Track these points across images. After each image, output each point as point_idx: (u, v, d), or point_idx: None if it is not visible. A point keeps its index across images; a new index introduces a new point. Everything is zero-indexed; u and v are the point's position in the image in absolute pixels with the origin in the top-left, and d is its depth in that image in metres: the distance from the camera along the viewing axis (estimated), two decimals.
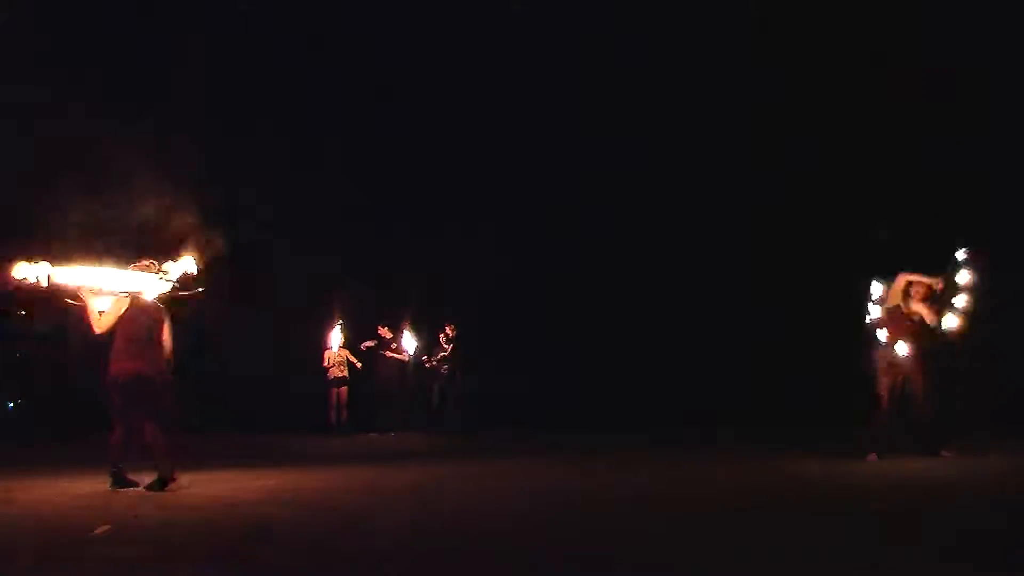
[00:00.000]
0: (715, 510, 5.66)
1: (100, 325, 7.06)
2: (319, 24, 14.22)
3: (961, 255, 8.47)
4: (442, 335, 14.44)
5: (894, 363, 8.29)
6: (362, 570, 4.16)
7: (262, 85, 13.96)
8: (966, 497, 6.08)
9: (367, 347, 14.25)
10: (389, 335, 14.40)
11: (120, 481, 6.94)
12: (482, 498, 6.38)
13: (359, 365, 14.21)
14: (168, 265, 7.25)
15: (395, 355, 14.37)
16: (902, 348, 8.27)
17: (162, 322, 7.14)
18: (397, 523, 5.37)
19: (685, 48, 13.60)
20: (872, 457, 8.11)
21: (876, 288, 8.62)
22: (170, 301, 7.26)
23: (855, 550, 4.33)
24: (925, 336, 8.30)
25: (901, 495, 6.23)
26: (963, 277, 8.43)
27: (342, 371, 14.10)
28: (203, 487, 6.99)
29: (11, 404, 14.90)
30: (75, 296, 7.03)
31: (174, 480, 6.88)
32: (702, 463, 8.60)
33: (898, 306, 8.34)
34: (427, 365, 14.51)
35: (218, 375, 13.68)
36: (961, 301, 8.39)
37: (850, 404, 9.11)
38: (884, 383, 8.33)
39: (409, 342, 14.57)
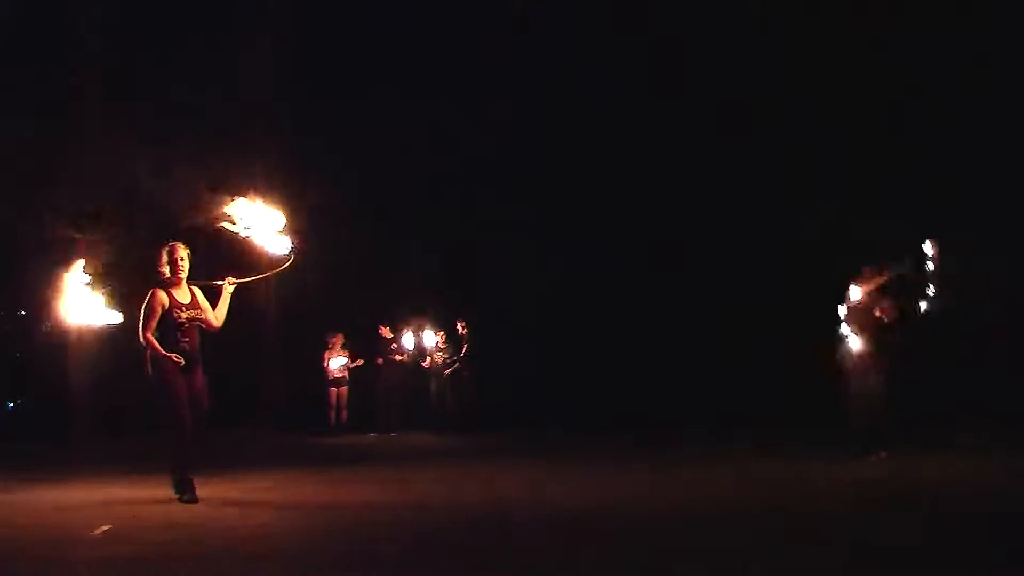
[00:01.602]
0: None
1: (220, 317, 6.47)
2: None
3: (927, 248, 8.55)
4: (441, 333, 14.41)
5: (859, 360, 8.36)
6: (361, 572, 4.16)
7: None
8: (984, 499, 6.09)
9: (380, 361, 14.21)
10: (390, 335, 14.37)
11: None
12: (484, 499, 6.37)
13: (359, 362, 14.22)
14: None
15: (397, 356, 14.33)
16: (855, 343, 8.39)
17: None
18: (399, 527, 5.36)
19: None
20: (882, 455, 8.11)
21: (854, 291, 8.60)
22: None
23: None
24: (884, 333, 8.40)
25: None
26: (927, 268, 8.54)
27: (342, 371, 14.08)
28: (203, 488, 6.97)
29: (11, 404, 14.91)
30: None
31: None
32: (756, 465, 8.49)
33: (864, 306, 8.44)
34: (424, 365, 14.49)
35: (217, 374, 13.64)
36: (927, 290, 8.52)
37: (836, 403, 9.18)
38: (855, 381, 8.38)
39: (409, 341, 14.52)
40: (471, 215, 15.62)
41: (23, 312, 14.90)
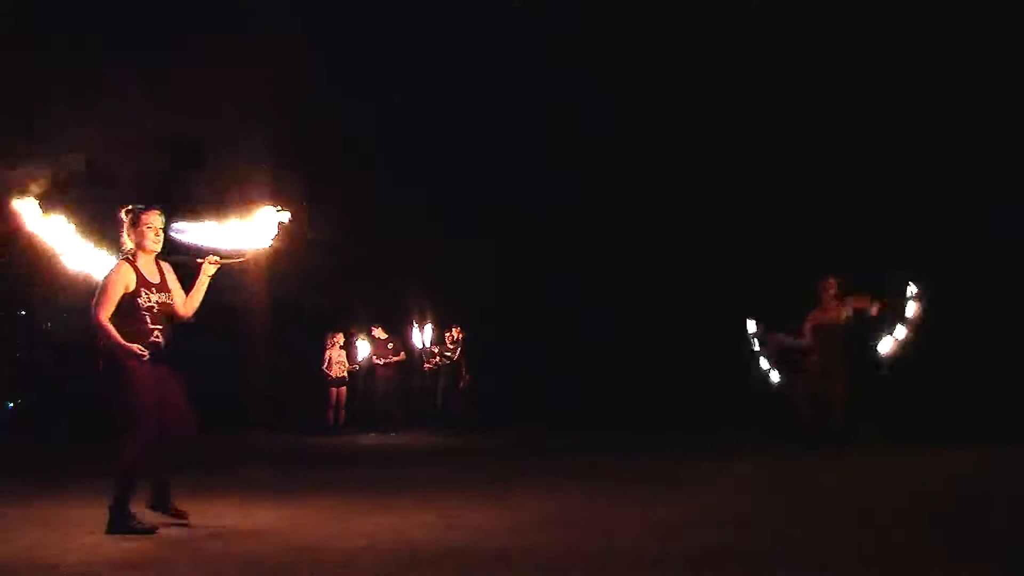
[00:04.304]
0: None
1: (193, 304, 5.30)
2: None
3: (911, 290, 8.88)
4: (448, 335, 14.40)
5: (819, 370, 8.82)
6: (352, 571, 4.15)
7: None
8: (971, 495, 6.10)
9: (376, 361, 14.24)
10: (384, 336, 14.35)
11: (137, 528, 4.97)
12: (489, 502, 6.36)
13: (356, 366, 14.28)
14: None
15: (393, 358, 14.30)
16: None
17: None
18: (401, 528, 5.36)
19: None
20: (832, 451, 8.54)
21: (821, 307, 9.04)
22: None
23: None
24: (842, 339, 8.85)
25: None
26: (909, 310, 8.88)
27: (342, 371, 14.10)
28: (201, 491, 6.97)
29: (11, 404, 14.91)
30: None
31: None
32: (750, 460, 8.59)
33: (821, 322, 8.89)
34: (426, 367, 14.47)
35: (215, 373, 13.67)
36: (900, 331, 8.99)
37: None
38: (806, 389, 8.93)
39: (418, 337, 14.50)
40: (472, 216, 15.62)
41: (23, 312, 14.91)
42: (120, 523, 4.96)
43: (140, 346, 4.94)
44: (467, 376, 14.17)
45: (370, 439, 13.20)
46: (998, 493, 6.31)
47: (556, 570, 4.05)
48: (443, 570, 4.09)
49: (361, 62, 14.71)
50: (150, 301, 5.06)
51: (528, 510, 5.72)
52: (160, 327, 5.08)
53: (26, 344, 15.11)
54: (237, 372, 14.40)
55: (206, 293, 5.32)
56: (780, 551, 4.33)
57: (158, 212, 5.19)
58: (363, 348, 14.39)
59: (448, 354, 14.31)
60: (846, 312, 8.77)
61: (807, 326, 8.98)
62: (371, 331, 14.37)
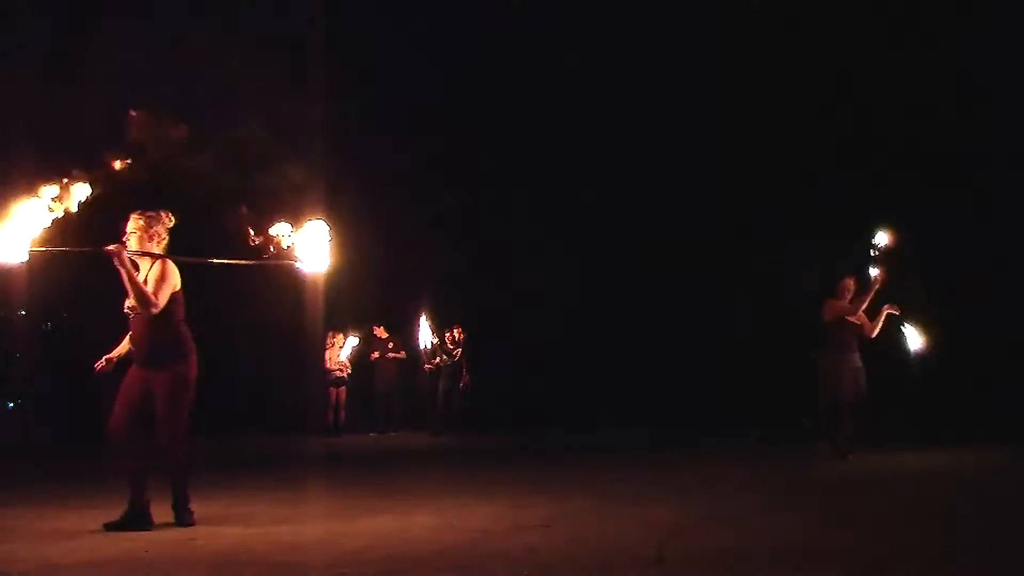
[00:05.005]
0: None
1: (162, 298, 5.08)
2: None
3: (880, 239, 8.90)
4: (449, 335, 14.39)
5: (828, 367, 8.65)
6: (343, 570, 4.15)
7: None
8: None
9: (374, 358, 14.25)
10: (385, 335, 14.34)
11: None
12: (489, 502, 6.36)
13: (401, 354, 14.31)
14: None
15: (394, 355, 14.31)
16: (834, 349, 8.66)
17: None
18: (401, 529, 5.35)
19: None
20: (850, 457, 8.35)
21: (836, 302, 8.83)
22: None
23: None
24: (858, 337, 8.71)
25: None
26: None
27: (342, 372, 14.09)
28: (201, 492, 6.96)
29: (11, 404, 14.91)
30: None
31: None
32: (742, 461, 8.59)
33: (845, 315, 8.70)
34: (425, 368, 14.46)
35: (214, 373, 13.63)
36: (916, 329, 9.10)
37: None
38: (837, 386, 8.63)
39: (424, 334, 14.50)
40: (472, 216, 15.63)
41: (23, 312, 14.90)
42: (121, 522, 5.10)
43: (102, 360, 5.24)
44: (467, 376, 14.17)
45: (370, 439, 13.20)
46: (997, 493, 6.31)
47: (556, 570, 4.04)
48: (443, 570, 4.09)
49: (361, 61, 14.72)
50: (125, 307, 5.18)
51: (528, 510, 5.72)
52: (131, 331, 5.20)
53: (26, 344, 15.10)
54: (236, 372, 14.42)
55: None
56: (779, 551, 4.33)
57: (134, 215, 5.18)
58: (348, 348, 14.30)
59: (449, 354, 14.30)
60: (861, 318, 8.69)
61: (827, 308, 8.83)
62: (373, 330, 14.36)
